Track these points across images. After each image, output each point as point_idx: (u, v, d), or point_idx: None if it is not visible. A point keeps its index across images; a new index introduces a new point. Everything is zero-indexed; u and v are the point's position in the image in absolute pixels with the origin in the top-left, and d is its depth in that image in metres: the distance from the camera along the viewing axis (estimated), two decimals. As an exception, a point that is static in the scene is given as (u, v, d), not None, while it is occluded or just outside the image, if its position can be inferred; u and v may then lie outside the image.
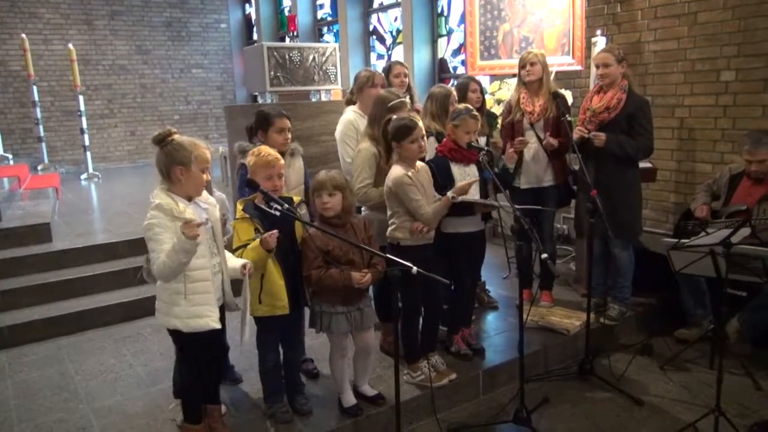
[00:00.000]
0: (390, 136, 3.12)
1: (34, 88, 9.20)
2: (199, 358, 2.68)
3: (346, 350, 3.08)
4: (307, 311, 3.11)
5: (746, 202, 3.88)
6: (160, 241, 2.41)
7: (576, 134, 3.83)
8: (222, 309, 2.74)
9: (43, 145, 9.52)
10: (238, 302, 2.75)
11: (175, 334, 2.62)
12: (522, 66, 4.03)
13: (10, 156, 9.21)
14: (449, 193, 3.08)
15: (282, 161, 2.88)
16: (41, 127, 9.39)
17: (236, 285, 2.76)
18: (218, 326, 2.54)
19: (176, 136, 2.54)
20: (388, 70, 4.30)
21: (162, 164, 2.49)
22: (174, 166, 2.46)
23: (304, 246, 2.87)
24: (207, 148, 2.53)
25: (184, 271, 2.45)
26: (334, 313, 2.91)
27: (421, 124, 3.11)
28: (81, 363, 3.87)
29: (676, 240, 3.29)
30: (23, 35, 9.16)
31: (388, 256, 2.53)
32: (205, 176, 2.51)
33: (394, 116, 3.22)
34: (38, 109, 9.30)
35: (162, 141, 2.51)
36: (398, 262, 2.42)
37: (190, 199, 2.56)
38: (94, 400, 3.37)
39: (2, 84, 10.05)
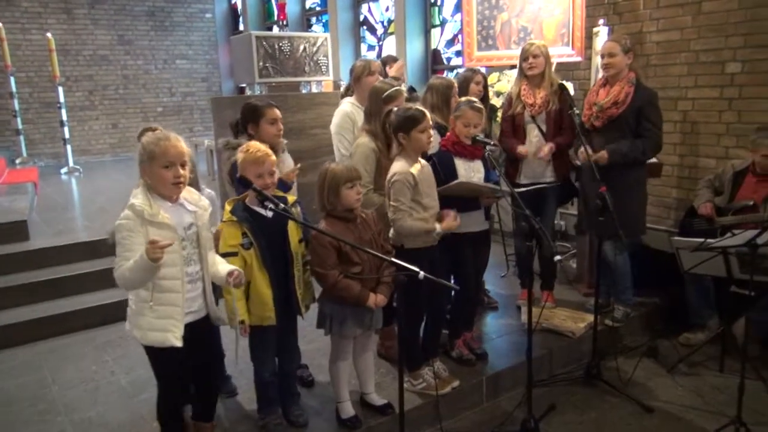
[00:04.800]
0: (395, 126, 2.90)
1: (12, 79, 8.88)
2: (169, 373, 2.46)
3: (350, 354, 2.90)
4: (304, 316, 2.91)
5: (753, 199, 3.75)
6: (126, 246, 2.21)
7: (581, 157, 3.68)
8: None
9: (22, 138, 9.21)
10: (223, 315, 2.56)
11: (143, 346, 2.41)
12: (524, 58, 3.85)
13: (-13, 149, 8.91)
14: (438, 226, 2.87)
15: (273, 157, 2.67)
16: (19, 120, 9.07)
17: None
18: (179, 344, 2.31)
19: (147, 134, 2.35)
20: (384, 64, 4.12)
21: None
22: (139, 166, 2.29)
23: (314, 242, 2.66)
24: (171, 140, 2.27)
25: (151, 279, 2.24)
26: (346, 316, 2.72)
27: (428, 114, 2.92)
28: (59, 370, 3.65)
29: (702, 240, 3.13)
30: (0, 24, 8.82)
31: (394, 260, 2.34)
32: (171, 173, 2.26)
33: (395, 107, 3.04)
34: (16, 101, 8.98)
35: (140, 139, 2.35)
36: (405, 266, 2.24)
37: (174, 199, 2.35)
38: (73, 411, 3.16)
39: (-22, 75, 9.71)
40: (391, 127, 2.96)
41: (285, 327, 2.74)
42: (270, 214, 2.41)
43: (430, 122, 2.93)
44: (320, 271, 2.66)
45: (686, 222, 4.11)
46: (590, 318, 3.75)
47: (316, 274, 2.70)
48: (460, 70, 4.54)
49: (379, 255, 2.47)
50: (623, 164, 3.67)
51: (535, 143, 3.92)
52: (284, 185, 2.98)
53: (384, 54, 8.34)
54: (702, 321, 3.95)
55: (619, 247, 3.79)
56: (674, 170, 4.88)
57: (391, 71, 4.29)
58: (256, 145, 2.66)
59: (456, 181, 3.02)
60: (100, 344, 4.00)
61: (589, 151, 3.55)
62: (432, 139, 2.96)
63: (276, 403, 2.85)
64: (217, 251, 2.58)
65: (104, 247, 4.86)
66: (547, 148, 3.81)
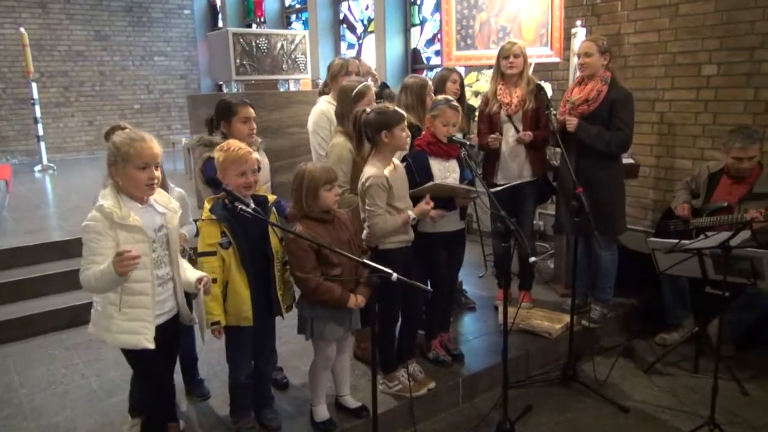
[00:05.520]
0: (380, 124, 2.81)
1: (-16, 74, 8.70)
2: (150, 374, 2.41)
3: (333, 360, 2.84)
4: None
5: (727, 200, 3.78)
6: (93, 250, 2.15)
7: (556, 122, 3.67)
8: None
9: (-6, 134, 9.04)
10: (194, 315, 2.50)
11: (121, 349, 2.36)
12: (505, 57, 3.83)
13: (-42, 146, 8.71)
14: (410, 213, 2.86)
15: (255, 154, 2.63)
16: (-9, 116, 8.90)
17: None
18: (151, 346, 2.27)
19: (117, 132, 2.29)
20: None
21: (106, 164, 2.25)
22: (109, 167, 2.23)
23: (292, 245, 2.60)
24: (147, 141, 2.22)
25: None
26: (329, 318, 2.67)
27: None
28: (28, 373, 3.56)
29: (676, 241, 3.14)
30: (-29, 18, 8.64)
31: (367, 262, 2.31)
32: (146, 174, 2.21)
33: (366, 105, 3.00)
34: (-12, 97, 8.81)
35: (108, 138, 2.30)
36: (377, 268, 2.20)
37: (143, 201, 2.29)
38: (41, 416, 3.07)
39: (-52, 69, 9.50)
40: (370, 126, 2.86)
41: (263, 328, 2.70)
42: (248, 215, 2.36)
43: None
44: (300, 275, 2.60)
45: (663, 223, 4.13)
46: (567, 318, 3.75)
47: (296, 278, 2.64)
48: (439, 70, 4.50)
49: (354, 257, 2.42)
50: (598, 160, 3.69)
51: (511, 142, 3.91)
52: None
53: (363, 53, 8.33)
54: (677, 321, 3.97)
55: (606, 244, 3.80)
56: (651, 171, 4.92)
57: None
58: (236, 143, 2.61)
59: (430, 183, 2.99)
60: (71, 346, 3.91)
61: (556, 123, 3.62)
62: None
63: (249, 406, 2.80)
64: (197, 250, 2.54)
65: (76, 248, 4.77)
66: (526, 136, 3.81)
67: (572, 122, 3.65)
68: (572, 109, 3.74)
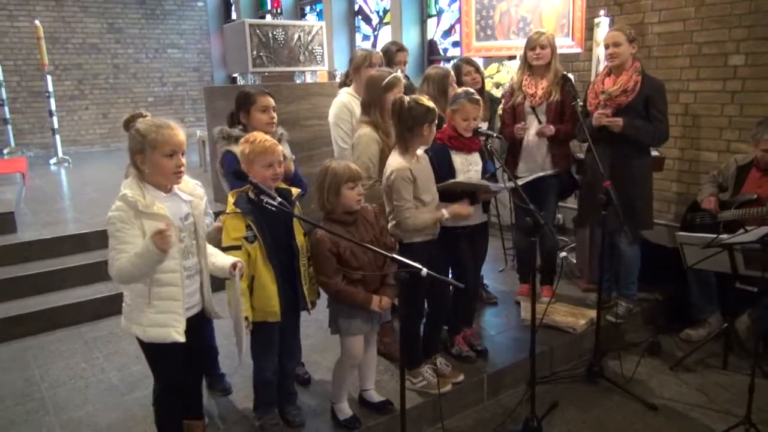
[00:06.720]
0: (419, 117, 2.75)
1: (-1, 67, 8.72)
2: (169, 371, 2.36)
3: (360, 358, 2.79)
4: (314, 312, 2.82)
5: (757, 193, 3.69)
6: (121, 239, 2.10)
7: (597, 119, 3.58)
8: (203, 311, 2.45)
9: (9, 127, 9.06)
10: (219, 309, 2.46)
11: (140, 343, 2.32)
12: (531, 48, 3.76)
13: (-26, 139, 8.74)
14: (444, 212, 2.84)
15: (280, 146, 2.58)
16: (7, 109, 8.92)
17: (220, 286, 2.46)
18: (182, 339, 2.23)
19: (140, 120, 2.25)
20: (394, 54, 4.04)
21: (128, 152, 2.20)
22: (134, 155, 2.18)
23: (314, 250, 2.58)
24: (174, 128, 2.20)
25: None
26: (355, 315, 2.64)
27: None
28: (48, 367, 3.55)
29: (713, 236, 3.06)
30: (-14, 11, 8.65)
31: (395, 257, 2.25)
32: (173, 162, 2.18)
33: (407, 97, 2.94)
34: (3, 90, 8.84)
35: (127, 126, 2.24)
36: (407, 263, 2.15)
37: (168, 189, 2.25)
38: (62, 410, 3.06)
39: (-36, 63, 9.50)
40: (415, 116, 2.77)
41: (289, 324, 2.66)
42: (273, 208, 2.31)
43: None
44: (323, 280, 2.59)
45: (689, 216, 4.04)
46: (591, 314, 3.69)
47: (320, 283, 2.62)
48: (454, 61, 4.43)
49: (382, 252, 2.36)
50: (632, 153, 3.62)
51: (533, 134, 3.84)
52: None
53: (379, 44, 8.23)
54: (704, 317, 3.89)
55: (629, 239, 3.73)
56: (675, 164, 4.82)
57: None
58: (262, 135, 2.57)
59: (451, 181, 2.95)
60: (90, 340, 3.90)
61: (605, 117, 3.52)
62: None
63: (274, 402, 2.77)
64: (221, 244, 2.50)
65: (94, 240, 4.77)
66: (547, 129, 3.74)
67: (617, 123, 3.54)
68: (608, 100, 3.62)
